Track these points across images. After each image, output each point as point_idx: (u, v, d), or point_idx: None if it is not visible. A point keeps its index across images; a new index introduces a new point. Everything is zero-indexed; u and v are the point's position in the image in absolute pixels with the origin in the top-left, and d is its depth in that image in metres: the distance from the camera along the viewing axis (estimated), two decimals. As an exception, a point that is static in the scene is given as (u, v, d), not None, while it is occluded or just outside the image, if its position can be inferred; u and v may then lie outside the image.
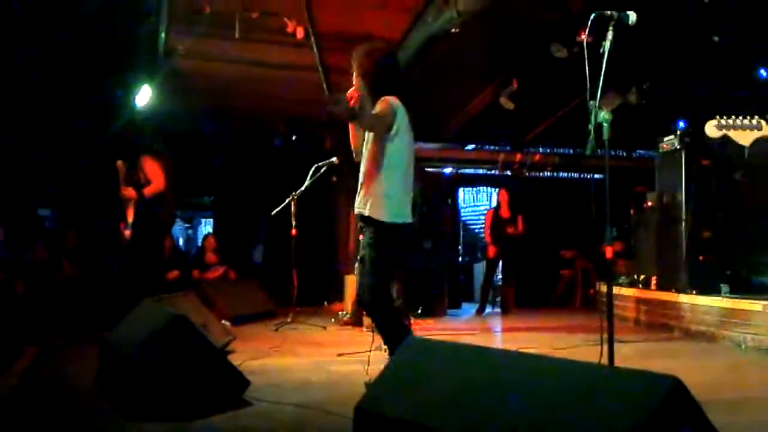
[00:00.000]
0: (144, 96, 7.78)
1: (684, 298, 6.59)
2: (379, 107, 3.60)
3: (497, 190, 10.39)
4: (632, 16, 3.04)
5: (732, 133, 3.24)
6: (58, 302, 6.73)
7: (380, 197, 3.62)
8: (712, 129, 3.28)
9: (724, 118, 3.30)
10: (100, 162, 6.28)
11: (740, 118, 3.30)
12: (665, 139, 7.36)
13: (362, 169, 3.73)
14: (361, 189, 3.70)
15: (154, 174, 5.99)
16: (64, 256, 8.44)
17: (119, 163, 6.08)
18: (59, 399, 3.66)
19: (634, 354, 5.26)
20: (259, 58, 7.59)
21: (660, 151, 7.49)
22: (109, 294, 6.18)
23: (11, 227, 8.73)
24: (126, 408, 3.20)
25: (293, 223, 7.26)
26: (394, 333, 3.56)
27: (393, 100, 3.68)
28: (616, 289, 7.82)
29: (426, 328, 7.31)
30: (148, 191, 5.98)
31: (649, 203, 8.03)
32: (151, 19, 6.87)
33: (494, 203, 10.56)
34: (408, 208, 3.72)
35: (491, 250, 9.59)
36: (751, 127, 3.28)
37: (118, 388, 3.42)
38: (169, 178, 6.09)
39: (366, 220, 3.65)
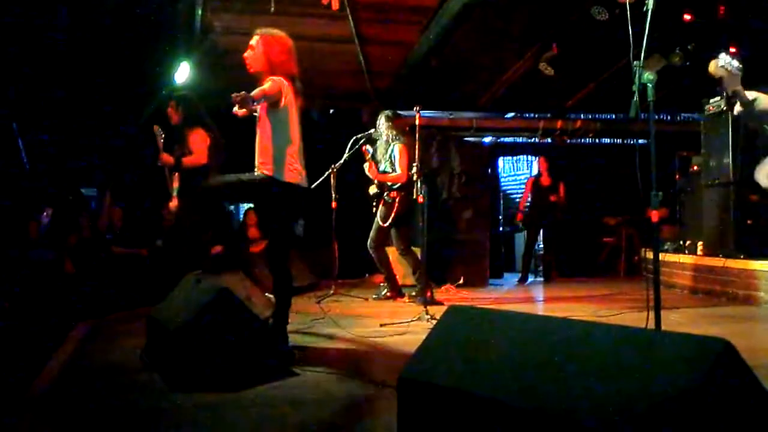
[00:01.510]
0: (183, 73, 7.83)
1: (732, 263, 6.46)
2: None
3: (537, 158, 10.26)
4: (676, -26, 2.96)
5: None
6: (106, 279, 6.88)
7: None
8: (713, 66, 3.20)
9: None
10: (142, 138, 6.32)
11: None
12: (711, 101, 7.17)
13: None
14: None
15: (198, 147, 5.92)
16: (109, 234, 8.60)
17: (156, 127, 6.05)
18: (109, 373, 3.75)
19: (681, 320, 5.18)
20: (295, 31, 7.51)
21: (706, 113, 7.31)
22: (156, 269, 6.28)
23: (57, 207, 8.92)
24: (174, 380, 3.26)
25: (333, 195, 7.28)
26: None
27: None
28: (661, 256, 7.68)
29: (466, 298, 7.30)
30: (187, 160, 5.93)
31: (695, 167, 7.86)
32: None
33: (535, 172, 10.44)
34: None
35: (519, 216, 9.59)
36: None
37: (166, 361, 3.49)
38: (214, 154, 6.04)
39: None
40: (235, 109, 4.04)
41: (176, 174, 6.09)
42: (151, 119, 6.36)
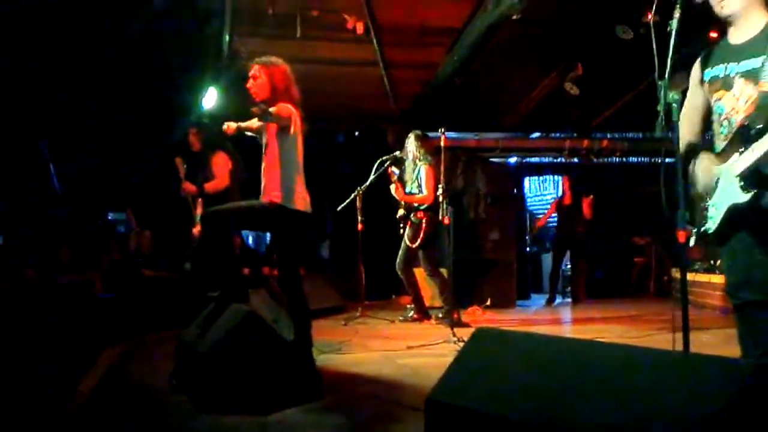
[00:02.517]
0: (210, 98, 7.94)
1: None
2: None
3: (562, 178, 10.21)
4: (699, -6, 2.94)
5: None
6: (136, 302, 6.94)
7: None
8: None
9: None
10: (169, 163, 6.42)
11: None
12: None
13: None
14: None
15: (221, 171, 6.03)
16: (139, 257, 8.71)
17: (178, 159, 6.16)
18: (139, 395, 3.79)
19: (711, 342, 5.10)
20: (321, 55, 7.66)
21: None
22: (185, 293, 6.32)
23: (82, 232, 9.06)
24: (202, 402, 3.28)
25: (359, 218, 7.30)
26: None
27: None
28: (691, 276, 7.61)
29: (493, 320, 7.26)
30: (209, 186, 6.03)
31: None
32: (216, 22, 7.01)
33: (561, 192, 10.40)
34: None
35: (538, 222, 9.55)
36: None
37: (194, 384, 3.51)
38: (236, 178, 6.15)
39: None
40: (226, 126, 4.12)
41: (200, 200, 6.20)
42: (177, 148, 6.48)
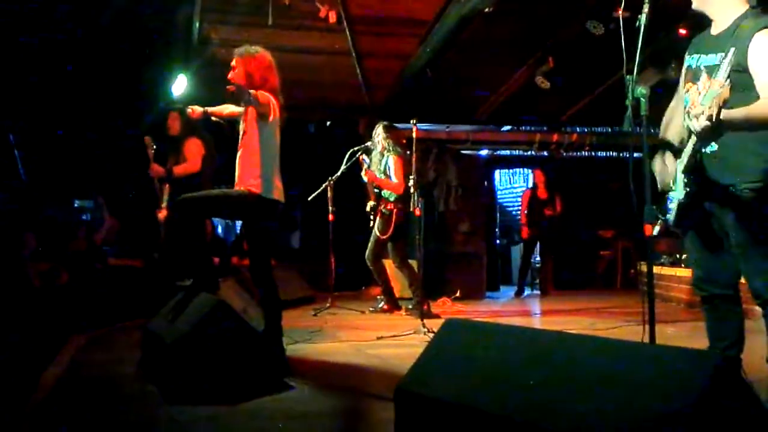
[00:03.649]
0: (180, 85, 7.85)
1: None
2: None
3: (533, 171, 10.28)
4: (669, -11, 2.98)
5: None
6: (101, 291, 6.86)
7: None
8: None
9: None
10: (136, 150, 6.33)
11: None
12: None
13: None
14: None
15: (192, 155, 5.93)
16: (104, 246, 8.60)
17: (147, 138, 6.05)
18: (105, 386, 3.74)
19: (677, 335, 5.19)
20: (293, 44, 7.60)
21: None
22: (151, 282, 6.26)
23: (51, 219, 8.91)
24: (170, 392, 3.26)
25: (330, 208, 7.28)
26: None
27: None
28: (657, 269, 7.72)
29: (463, 312, 7.30)
30: (178, 169, 5.93)
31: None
32: (186, 8, 6.92)
33: (531, 184, 10.46)
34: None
35: (525, 231, 9.54)
36: None
37: (163, 373, 3.48)
38: (209, 166, 6.06)
39: None
40: (190, 109, 4.09)
41: (167, 185, 6.10)
42: (149, 131, 6.37)
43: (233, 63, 4.04)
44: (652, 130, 3.05)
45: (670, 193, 2.99)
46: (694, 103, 2.88)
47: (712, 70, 2.81)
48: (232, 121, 4.29)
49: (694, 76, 2.92)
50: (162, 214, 6.13)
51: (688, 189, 2.84)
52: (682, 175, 2.86)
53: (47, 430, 2.91)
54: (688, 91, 2.95)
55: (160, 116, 6.39)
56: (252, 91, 3.81)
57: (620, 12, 3.03)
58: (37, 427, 2.92)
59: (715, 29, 2.93)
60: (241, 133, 4.06)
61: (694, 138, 2.78)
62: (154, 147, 5.97)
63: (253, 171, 3.94)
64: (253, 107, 3.91)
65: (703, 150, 2.81)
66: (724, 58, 2.73)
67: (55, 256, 7.88)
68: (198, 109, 4.30)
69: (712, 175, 2.81)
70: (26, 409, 3.15)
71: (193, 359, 3.27)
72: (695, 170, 2.82)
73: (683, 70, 3.09)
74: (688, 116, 2.90)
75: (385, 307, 6.97)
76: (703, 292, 3.01)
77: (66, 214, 9.82)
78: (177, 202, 4.07)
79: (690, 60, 2.99)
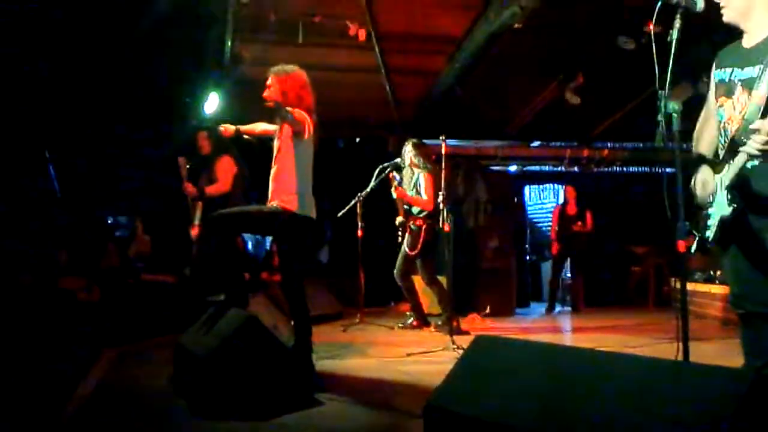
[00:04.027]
0: (212, 103, 7.95)
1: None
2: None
3: (564, 186, 10.21)
4: (700, 3, 2.94)
5: None
6: (133, 306, 6.94)
7: None
8: None
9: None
10: (169, 168, 6.43)
11: None
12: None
13: None
14: None
15: (224, 174, 6.03)
16: (139, 263, 8.71)
17: (181, 159, 6.15)
18: (136, 399, 3.78)
19: (711, 352, 5.09)
20: (322, 62, 7.66)
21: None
22: (183, 297, 6.32)
23: (83, 235, 9.06)
24: (200, 407, 3.28)
25: (359, 224, 7.30)
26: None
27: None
28: (691, 286, 7.60)
29: (492, 328, 7.25)
30: (210, 189, 6.02)
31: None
32: (218, 27, 7.02)
33: (561, 200, 10.39)
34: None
35: (555, 247, 9.46)
36: None
37: (193, 389, 3.51)
38: (240, 184, 6.14)
39: None
40: (223, 128, 4.13)
41: (199, 203, 6.19)
42: (182, 149, 6.48)
43: (269, 81, 4.09)
44: (685, 145, 3.02)
45: (709, 209, 2.96)
46: (732, 118, 2.85)
47: (749, 83, 2.78)
48: (263, 139, 4.34)
49: (728, 91, 2.89)
50: (194, 231, 6.21)
51: (735, 205, 2.79)
52: (726, 192, 2.82)
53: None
54: (722, 105, 2.92)
55: (192, 135, 6.49)
56: (288, 109, 3.85)
57: (651, 27, 3.01)
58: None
59: (747, 42, 2.89)
60: (275, 150, 4.09)
61: (742, 155, 2.72)
62: (188, 166, 6.07)
63: (287, 188, 3.97)
64: (289, 125, 3.94)
65: (748, 165, 2.77)
66: (763, 70, 2.70)
67: (88, 271, 8.00)
68: (230, 128, 4.36)
69: (759, 190, 2.76)
70: (60, 421, 3.19)
71: (223, 374, 3.29)
72: (741, 186, 2.78)
73: (713, 85, 3.06)
74: (724, 131, 2.87)
75: (414, 323, 6.95)
76: (740, 310, 2.96)
77: (99, 231, 9.97)
78: (211, 217, 4.11)
79: (722, 74, 2.95)
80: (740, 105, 2.81)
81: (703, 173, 3.01)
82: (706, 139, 2.99)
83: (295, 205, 3.92)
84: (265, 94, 4.05)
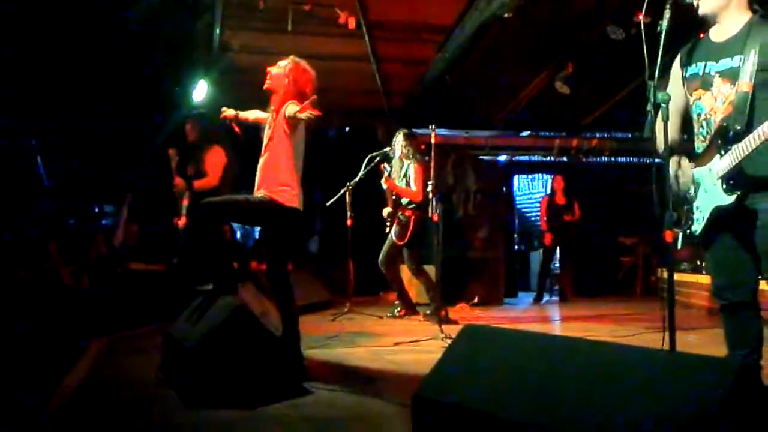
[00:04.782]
0: (200, 91, 7.91)
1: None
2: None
3: (552, 176, 10.24)
4: (690, -6, 2.95)
5: None
6: (122, 295, 6.92)
7: None
8: None
9: None
10: (157, 157, 6.40)
11: None
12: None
13: None
14: None
15: (212, 168, 5.96)
16: (125, 250, 8.66)
17: (171, 151, 6.10)
18: (125, 388, 3.77)
19: (697, 342, 5.13)
20: (312, 50, 7.62)
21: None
22: (171, 286, 6.30)
23: (71, 224, 9.01)
24: (189, 396, 3.27)
25: (349, 213, 7.30)
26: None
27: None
28: (678, 276, 7.66)
29: (481, 318, 7.28)
30: (198, 184, 5.95)
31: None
32: (207, 15, 6.98)
33: (549, 190, 10.42)
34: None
35: (547, 238, 9.48)
36: None
37: (182, 378, 3.50)
38: (228, 174, 6.08)
39: None
40: (224, 110, 4.11)
41: (187, 193, 6.14)
42: (171, 138, 6.43)
43: (282, 63, 4.05)
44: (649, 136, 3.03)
45: (694, 203, 2.98)
46: (714, 108, 2.87)
47: (730, 73, 2.80)
48: (255, 127, 4.30)
49: (703, 83, 2.92)
50: (181, 222, 6.17)
51: (738, 192, 2.80)
52: (720, 181, 2.84)
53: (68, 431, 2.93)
54: (698, 98, 2.94)
55: (181, 123, 6.44)
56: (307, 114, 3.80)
57: (641, 17, 3.02)
58: (58, 429, 2.95)
59: (718, 36, 2.93)
60: (266, 139, 4.05)
61: (749, 141, 2.71)
62: (177, 159, 6.02)
63: (276, 178, 3.93)
64: (289, 117, 3.88)
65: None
66: (744, 61, 2.72)
67: (76, 260, 7.96)
68: (230, 112, 4.31)
69: (753, 172, 2.77)
70: (48, 411, 3.18)
71: (211, 364, 3.29)
72: (736, 174, 2.79)
73: (676, 81, 3.08)
74: (707, 123, 2.89)
75: (402, 312, 6.97)
76: (723, 300, 2.98)
77: (86, 219, 9.92)
78: (199, 205, 4.07)
79: (693, 69, 2.98)
80: (722, 95, 2.83)
81: (674, 167, 3.03)
82: (671, 133, 3.00)
83: (282, 196, 3.89)
84: (273, 72, 4.05)
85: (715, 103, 2.86)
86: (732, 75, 2.80)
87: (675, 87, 3.10)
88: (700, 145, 2.98)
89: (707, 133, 2.92)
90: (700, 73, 2.95)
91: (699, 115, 2.97)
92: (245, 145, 4.39)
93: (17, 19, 6.78)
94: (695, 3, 2.93)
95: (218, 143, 5.97)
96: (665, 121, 2.87)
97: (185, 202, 6.16)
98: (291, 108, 3.81)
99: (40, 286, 6.95)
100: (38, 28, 7.00)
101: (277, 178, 3.93)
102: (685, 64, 3.04)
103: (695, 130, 3.02)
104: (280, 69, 4.05)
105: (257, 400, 3.21)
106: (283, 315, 4.00)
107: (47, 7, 6.68)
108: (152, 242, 8.92)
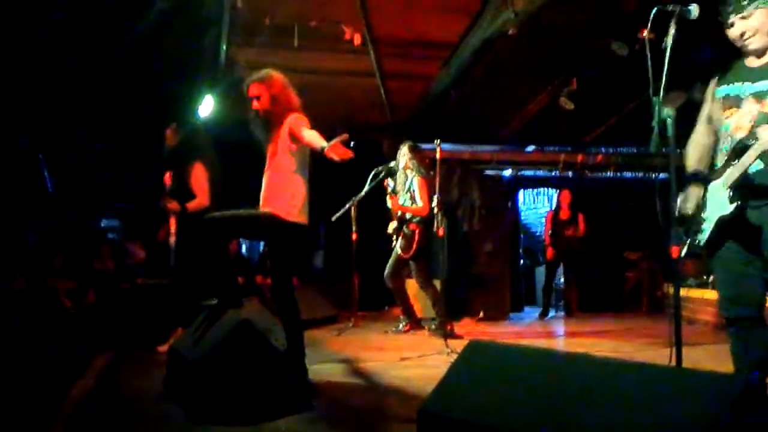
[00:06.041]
0: (207, 106, 7.94)
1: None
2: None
3: (558, 191, 10.22)
4: (694, 11, 2.96)
5: None
6: (128, 310, 6.91)
7: None
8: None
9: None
10: (163, 173, 6.38)
11: None
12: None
13: None
14: None
15: (200, 187, 5.80)
16: (130, 266, 8.68)
17: (167, 176, 6.04)
18: (130, 402, 3.77)
19: (703, 357, 5.10)
20: (318, 66, 7.68)
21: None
22: (171, 300, 6.27)
23: (76, 238, 9.02)
24: (193, 411, 3.27)
25: (354, 228, 7.30)
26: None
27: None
28: (684, 291, 7.63)
29: (486, 333, 7.26)
30: (191, 206, 5.84)
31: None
32: (213, 31, 7.02)
33: (554, 205, 10.40)
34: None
35: (550, 252, 9.46)
36: None
37: (186, 393, 3.50)
38: (213, 186, 5.93)
39: None
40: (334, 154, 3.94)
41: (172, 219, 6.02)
42: (174, 154, 6.41)
43: (254, 92, 3.98)
44: (679, 151, 3.05)
45: (702, 214, 3.00)
46: (739, 126, 2.90)
47: (760, 95, 2.88)
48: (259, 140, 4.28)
49: (736, 102, 2.96)
50: (172, 240, 6.05)
51: (738, 202, 2.83)
52: (729, 191, 2.87)
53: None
54: (729, 117, 2.97)
55: (182, 137, 6.41)
56: (310, 131, 3.79)
57: (646, 33, 3.03)
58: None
59: (754, 63, 2.99)
60: (269, 154, 4.02)
61: (751, 154, 2.77)
62: (171, 184, 5.98)
63: (281, 193, 3.90)
64: (291, 130, 3.87)
65: (752, 169, 2.84)
66: None
67: (82, 274, 7.97)
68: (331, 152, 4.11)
69: (759, 182, 2.83)
70: (52, 425, 3.18)
71: (215, 379, 3.29)
72: (743, 185, 2.82)
73: (710, 100, 3.11)
74: (731, 140, 2.93)
75: (407, 327, 6.95)
76: (729, 314, 2.98)
77: (92, 233, 9.94)
78: (203, 221, 4.05)
79: (728, 89, 3.03)
80: (749, 114, 2.88)
81: (692, 187, 3.07)
82: (697, 152, 3.05)
83: (287, 210, 3.87)
84: (256, 105, 3.96)
85: (741, 121, 2.91)
86: (761, 96, 2.87)
87: (702, 125, 3.17)
88: (720, 160, 3.01)
89: (729, 148, 2.95)
90: (733, 94, 3.00)
91: (725, 131, 3.00)
92: (247, 160, 4.35)
93: (25, 34, 6.84)
94: (739, 41, 2.97)
95: (199, 159, 5.86)
96: (671, 136, 2.89)
97: (172, 227, 6.04)
98: (314, 137, 3.77)
99: (39, 302, 6.95)
100: (49, 38, 7.05)
101: (283, 193, 3.90)
102: (720, 85, 3.08)
103: (719, 146, 3.05)
104: (258, 89, 3.98)
105: (261, 415, 3.20)
106: (287, 330, 3.99)
107: (55, 21, 6.73)
108: (159, 256, 8.93)
